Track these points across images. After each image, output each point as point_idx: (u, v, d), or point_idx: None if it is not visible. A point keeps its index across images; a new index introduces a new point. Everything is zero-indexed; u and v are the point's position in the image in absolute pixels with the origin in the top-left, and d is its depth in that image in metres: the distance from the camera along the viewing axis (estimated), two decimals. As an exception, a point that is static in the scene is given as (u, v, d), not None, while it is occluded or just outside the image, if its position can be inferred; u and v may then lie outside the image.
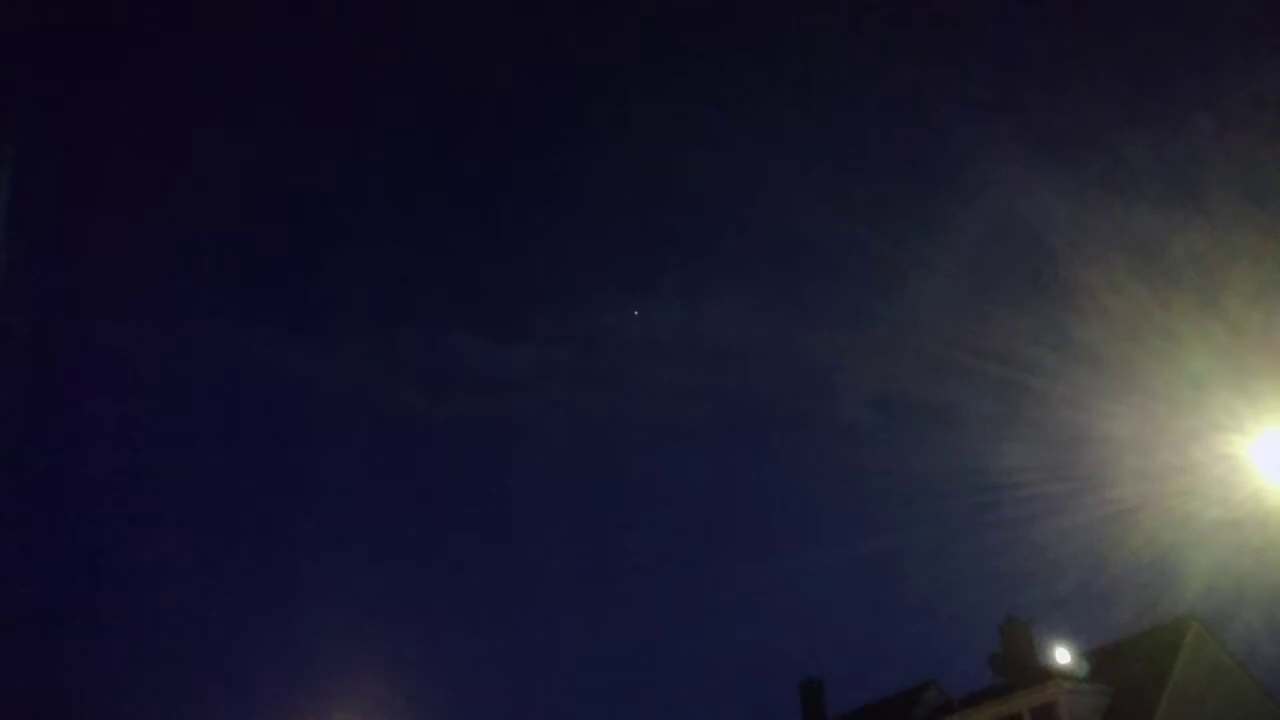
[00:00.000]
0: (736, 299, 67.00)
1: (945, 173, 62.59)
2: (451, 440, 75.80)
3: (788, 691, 33.70)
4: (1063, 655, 26.28)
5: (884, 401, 69.60)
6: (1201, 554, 27.34)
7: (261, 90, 66.01)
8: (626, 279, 74.92)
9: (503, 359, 66.21)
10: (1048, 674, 25.60)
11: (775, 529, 72.31)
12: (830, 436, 70.44)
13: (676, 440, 74.03)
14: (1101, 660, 26.25)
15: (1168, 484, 27.48)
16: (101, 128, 60.09)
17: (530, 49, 65.47)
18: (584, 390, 75.07)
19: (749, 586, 73.78)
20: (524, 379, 70.39)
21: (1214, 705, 24.98)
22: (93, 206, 58.94)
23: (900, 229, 63.47)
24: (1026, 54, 57.33)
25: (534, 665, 64.14)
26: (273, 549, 67.89)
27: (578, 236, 74.51)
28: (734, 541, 76.68)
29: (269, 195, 71.12)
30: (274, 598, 67.86)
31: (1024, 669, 26.48)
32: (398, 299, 73.48)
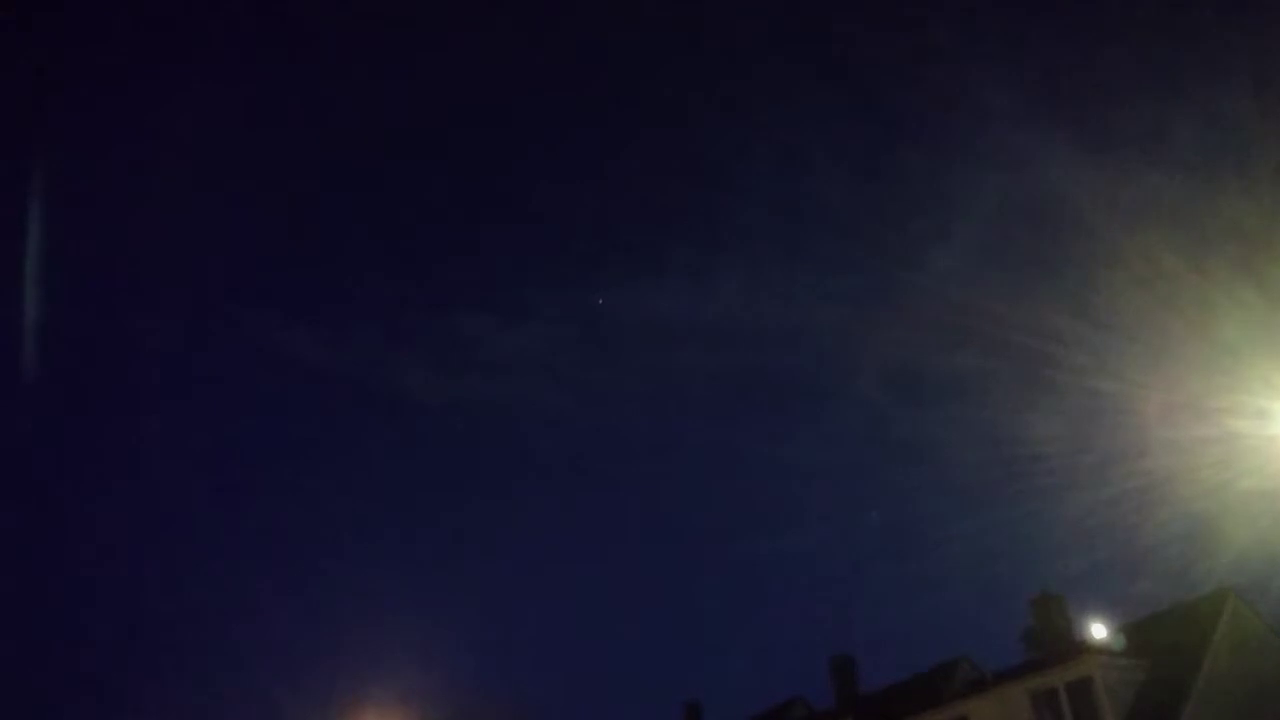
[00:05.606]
0: (747, 273, 66.57)
1: (966, 139, 61.76)
2: (461, 421, 75.82)
3: (819, 667, 33.74)
4: (1098, 629, 26.07)
5: (903, 373, 69.27)
6: (1235, 524, 27.00)
7: (271, 83, 65.74)
8: (634, 255, 74.46)
9: (510, 339, 66.06)
10: (1083, 648, 25.36)
11: (796, 505, 72.38)
12: (849, 410, 70.30)
13: (690, 417, 73.86)
14: (1137, 633, 25.99)
15: (1201, 454, 27.09)
16: (120, 123, 60.16)
17: (532, 29, 64.85)
18: (592, 368, 74.89)
19: (773, 562, 73.88)
20: (532, 358, 70.25)
21: (1252, 677, 24.70)
22: (104, 195, 59.00)
23: (918, 198, 62.80)
24: (1057, 18, 56.31)
25: (550, 643, 64.45)
26: (286, 533, 68.32)
27: (582, 213, 74.05)
28: (754, 518, 76.74)
29: (278, 184, 70.99)
30: (288, 582, 68.38)
31: (1058, 643, 26.27)
32: (404, 282, 73.41)
